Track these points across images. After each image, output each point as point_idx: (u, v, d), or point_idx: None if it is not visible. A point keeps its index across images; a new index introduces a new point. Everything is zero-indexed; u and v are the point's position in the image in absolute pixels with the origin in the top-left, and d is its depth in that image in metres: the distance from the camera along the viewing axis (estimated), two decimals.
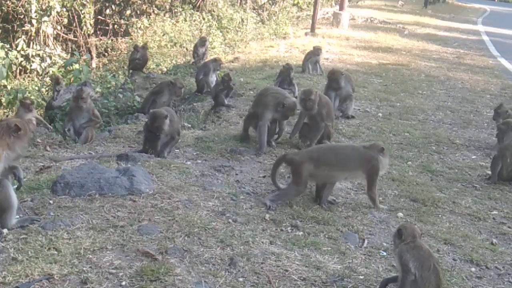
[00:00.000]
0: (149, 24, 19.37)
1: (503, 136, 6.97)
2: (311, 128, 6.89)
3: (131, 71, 13.02)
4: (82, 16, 18.08)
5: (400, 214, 5.07)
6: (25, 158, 5.60)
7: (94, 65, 17.90)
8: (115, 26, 21.12)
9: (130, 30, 19.73)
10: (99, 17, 20.68)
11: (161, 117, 5.96)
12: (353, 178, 5.39)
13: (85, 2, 17.64)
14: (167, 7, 21.46)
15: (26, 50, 16.09)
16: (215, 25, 19.20)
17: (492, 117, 8.10)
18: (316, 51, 11.80)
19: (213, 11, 21.05)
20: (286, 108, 6.50)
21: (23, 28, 16.84)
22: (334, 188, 5.56)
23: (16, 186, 4.24)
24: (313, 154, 5.14)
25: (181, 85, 8.54)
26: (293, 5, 25.03)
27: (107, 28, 20.92)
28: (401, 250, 3.51)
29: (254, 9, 23.27)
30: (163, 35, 18.34)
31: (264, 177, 5.68)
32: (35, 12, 16.33)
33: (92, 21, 18.50)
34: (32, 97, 12.11)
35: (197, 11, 20.87)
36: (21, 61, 15.84)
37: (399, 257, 3.50)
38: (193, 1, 22.15)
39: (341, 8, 20.81)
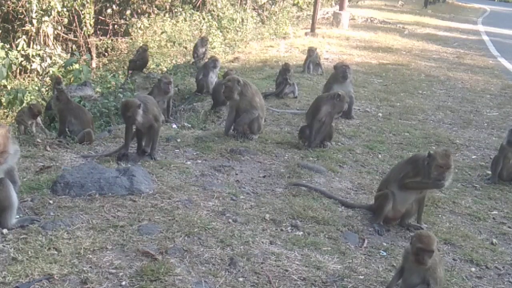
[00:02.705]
0: (149, 24, 19.39)
1: None
2: (315, 130, 6.81)
3: (130, 71, 13.05)
4: (82, 16, 18.10)
5: None
6: (25, 158, 5.60)
7: (94, 65, 17.93)
8: (115, 26, 21.14)
9: (130, 30, 19.75)
10: (99, 17, 20.69)
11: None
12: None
13: (85, 2, 17.64)
14: (167, 7, 21.48)
15: (26, 50, 16.10)
16: (215, 25, 19.21)
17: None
18: (310, 52, 11.78)
19: (213, 11, 21.06)
20: None
21: (24, 28, 16.85)
22: (333, 188, 5.58)
23: None
24: None
25: (167, 79, 8.16)
26: (293, 5, 25.04)
27: (107, 28, 20.94)
28: (434, 263, 3.45)
29: (254, 9, 23.28)
30: (162, 33, 18.34)
31: (264, 177, 5.68)
32: (36, 12, 16.34)
33: (92, 21, 18.52)
34: (32, 97, 12.14)
35: (197, 11, 20.89)
36: (21, 61, 15.86)
37: (434, 271, 3.46)
38: (193, 1, 22.16)
39: (341, 8, 20.83)
